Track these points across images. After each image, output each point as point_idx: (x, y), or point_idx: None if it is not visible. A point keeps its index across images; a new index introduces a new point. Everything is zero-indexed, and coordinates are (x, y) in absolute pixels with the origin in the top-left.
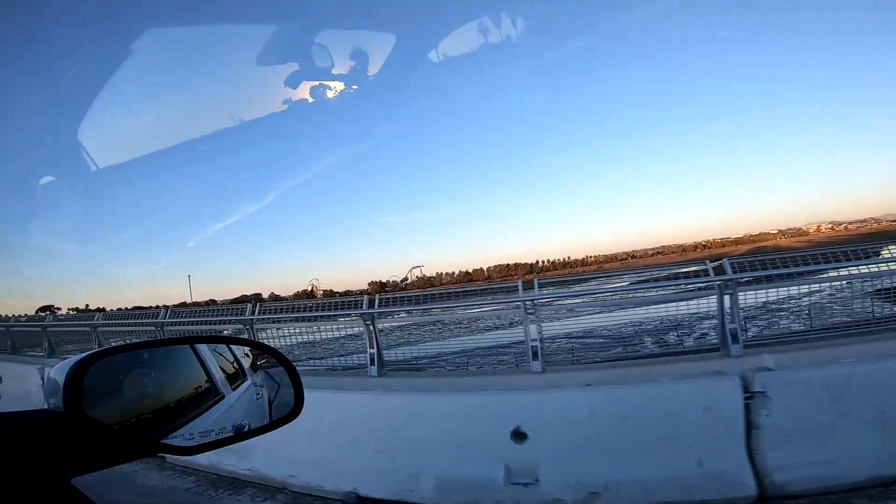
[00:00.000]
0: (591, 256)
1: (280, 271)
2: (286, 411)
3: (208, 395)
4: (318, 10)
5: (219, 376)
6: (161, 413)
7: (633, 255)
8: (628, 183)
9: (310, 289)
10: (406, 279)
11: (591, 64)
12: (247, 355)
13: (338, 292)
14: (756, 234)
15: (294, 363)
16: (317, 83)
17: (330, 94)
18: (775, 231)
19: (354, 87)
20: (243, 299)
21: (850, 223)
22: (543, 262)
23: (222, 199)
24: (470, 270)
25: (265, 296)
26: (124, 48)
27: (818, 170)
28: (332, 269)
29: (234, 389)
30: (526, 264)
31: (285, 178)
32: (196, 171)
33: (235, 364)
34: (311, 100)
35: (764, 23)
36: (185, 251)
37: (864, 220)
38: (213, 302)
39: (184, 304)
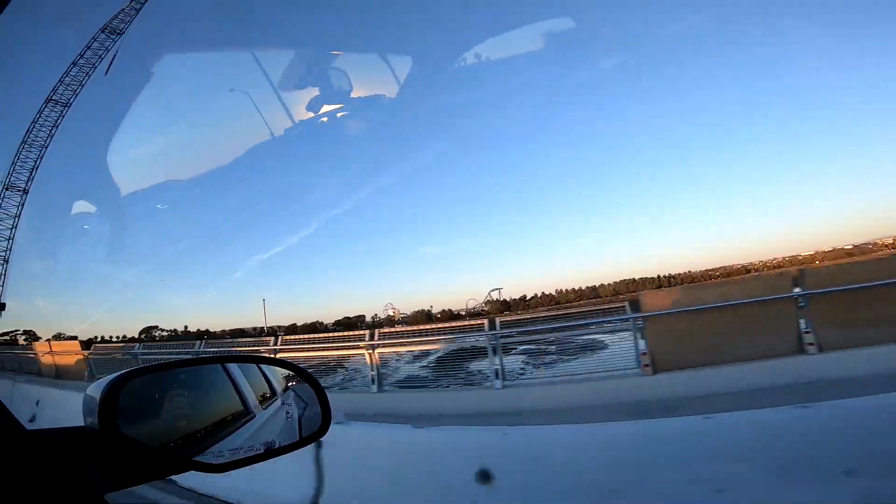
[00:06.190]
0: (710, 270)
1: (350, 297)
2: (315, 428)
3: (240, 415)
4: (332, 35)
5: (250, 396)
6: (193, 431)
7: (747, 270)
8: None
9: (391, 313)
10: (488, 300)
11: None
12: (275, 378)
13: (458, 311)
14: (775, 260)
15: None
16: (337, 106)
17: (352, 118)
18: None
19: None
20: (347, 321)
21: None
22: (663, 276)
23: (261, 228)
24: (595, 285)
25: (368, 318)
26: (145, 72)
27: (802, 199)
28: (403, 293)
29: (264, 409)
30: (652, 278)
31: (325, 208)
32: (224, 200)
33: (266, 384)
34: (324, 120)
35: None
36: (231, 281)
37: (860, 245)
38: (320, 324)
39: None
